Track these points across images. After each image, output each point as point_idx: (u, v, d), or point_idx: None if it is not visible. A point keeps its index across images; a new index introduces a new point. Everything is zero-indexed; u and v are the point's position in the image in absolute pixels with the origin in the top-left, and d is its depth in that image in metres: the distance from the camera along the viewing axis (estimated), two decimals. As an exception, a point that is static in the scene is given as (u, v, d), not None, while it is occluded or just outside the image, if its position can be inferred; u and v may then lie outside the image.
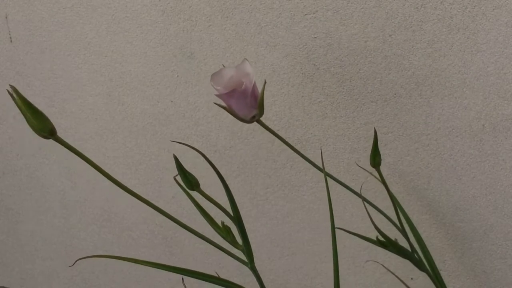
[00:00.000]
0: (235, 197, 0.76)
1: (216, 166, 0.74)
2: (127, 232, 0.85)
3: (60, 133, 0.87)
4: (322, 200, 0.72)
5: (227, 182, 0.75)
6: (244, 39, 0.66)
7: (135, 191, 0.86)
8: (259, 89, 0.50)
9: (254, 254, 0.79)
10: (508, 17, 0.56)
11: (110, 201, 0.84)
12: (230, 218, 0.47)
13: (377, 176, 0.68)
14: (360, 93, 0.64)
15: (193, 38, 0.68)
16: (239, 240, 0.49)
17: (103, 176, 0.87)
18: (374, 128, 0.51)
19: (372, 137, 0.66)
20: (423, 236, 0.69)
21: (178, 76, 0.71)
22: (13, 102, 0.83)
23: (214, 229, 0.49)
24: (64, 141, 0.39)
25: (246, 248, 0.49)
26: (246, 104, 0.49)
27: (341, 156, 0.68)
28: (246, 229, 0.77)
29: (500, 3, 0.55)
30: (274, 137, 0.70)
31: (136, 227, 0.84)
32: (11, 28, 0.78)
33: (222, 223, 0.49)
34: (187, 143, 0.75)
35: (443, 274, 0.70)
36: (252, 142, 0.72)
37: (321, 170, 0.54)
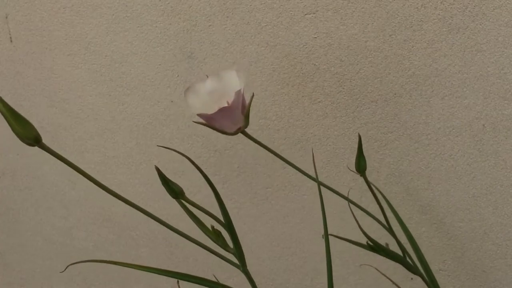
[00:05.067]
0: (235, 197, 0.76)
1: (216, 166, 0.75)
2: (127, 232, 0.85)
3: (60, 133, 0.87)
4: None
5: (227, 182, 0.76)
6: (244, 39, 0.66)
7: (135, 191, 0.86)
8: (246, 98, 0.48)
9: (254, 254, 0.79)
10: (508, 17, 0.56)
11: (110, 201, 0.84)
12: (220, 224, 0.47)
13: (377, 176, 0.68)
14: (360, 93, 0.64)
15: (193, 38, 0.68)
16: (230, 243, 0.49)
17: (103, 176, 0.87)
18: (359, 133, 0.51)
19: (372, 137, 0.66)
20: (423, 236, 0.69)
21: (178, 76, 0.71)
22: (13, 102, 0.83)
23: (204, 232, 0.48)
24: (50, 148, 0.38)
25: (238, 251, 0.48)
26: (232, 119, 0.46)
27: (341, 156, 0.68)
28: (246, 229, 0.77)
29: (500, 3, 0.55)
30: (274, 137, 0.70)
31: (136, 227, 0.84)
32: (11, 28, 0.78)
33: (212, 227, 0.48)
34: (187, 143, 0.75)
35: (443, 274, 0.70)
36: (252, 142, 0.72)
37: (311, 177, 0.54)
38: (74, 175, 0.86)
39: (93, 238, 0.88)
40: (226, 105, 0.47)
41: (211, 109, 0.46)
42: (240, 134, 0.50)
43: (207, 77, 0.49)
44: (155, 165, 0.44)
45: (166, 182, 0.45)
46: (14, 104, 0.81)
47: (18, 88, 0.81)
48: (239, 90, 0.45)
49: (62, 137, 0.81)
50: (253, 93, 0.50)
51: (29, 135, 0.37)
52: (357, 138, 0.66)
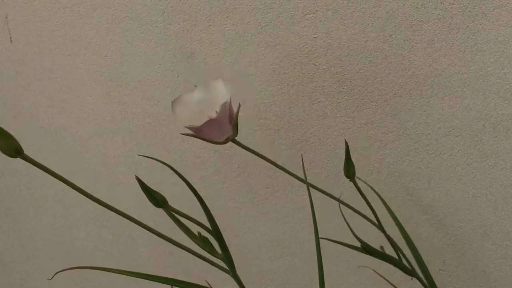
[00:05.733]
0: (235, 197, 0.76)
1: (216, 166, 0.75)
2: (127, 232, 0.85)
3: (60, 133, 0.87)
4: (322, 200, 0.72)
5: (227, 182, 0.76)
6: (244, 39, 0.66)
7: (134, 191, 0.86)
8: (234, 106, 0.48)
9: (254, 254, 0.79)
10: (508, 17, 0.55)
11: (110, 201, 0.84)
12: (207, 231, 0.47)
13: (377, 176, 0.68)
14: (360, 93, 0.64)
15: (193, 38, 0.68)
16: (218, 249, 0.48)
17: (103, 177, 0.87)
18: (345, 140, 0.51)
19: (372, 137, 0.66)
20: (423, 236, 0.69)
21: (178, 76, 0.71)
22: (13, 102, 0.83)
23: (191, 239, 0.48)
24: (32, 159, 0.38)
25: (226, 257, 0.48)
26: (220, 130, 0.47)
27: (341, 156, 0.68)
28: (246, 229, 0.77)
29: (500, 3, 0.55)
30: (274, 137, 0.70)
31: (136, 227, 0.84)
32: (11, 28, 0.78)
33: (199, 233, 0.48)
34: (187, 143, 0.75)
35: (443, 274, 0.70)
36: (252, 142, 0.72)
37: (303, 180, 0.54)
38: (74, 175, 0.86)
39: (93, 238, 0.88)
40: (215, 114, 0.47)
41: (201, 119, 0.46)
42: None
43: (195, 87, 0.50)
44: (135, 175, 0.44)
45: (148, 191, 0.45)
46: (14, 104, 0.81)
47: (18, 88, 0.81)
48: (225, 102, 0.46)
49: (62, 137, 0.81)
50: (239, 104, 0.50)
51: (10, 148, 0.37)
52: (357, 138, 0.66)
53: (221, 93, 0.48)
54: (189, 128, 0.46)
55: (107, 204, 0.42)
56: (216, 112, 0.47)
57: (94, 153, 0.81)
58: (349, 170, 0.51)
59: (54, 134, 0.81)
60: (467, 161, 0.63)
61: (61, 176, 0.39)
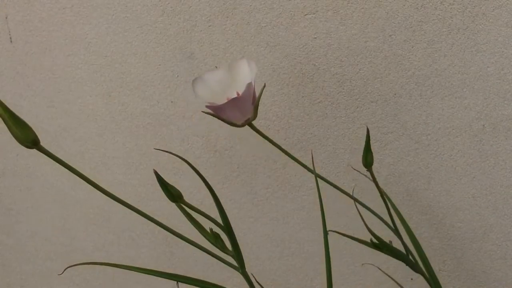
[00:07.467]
0: (235, 197, 0.76)
1: (216, 167, 0.75)
2: (127, 232, 0.85)
3: (60, 133, 0.87)
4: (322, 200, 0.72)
5: (227, 182, 0.76)
6: (244, 39, 0.66)
7: (135, 191, 0.86)
8: (256, 90, 0.48)
9: (254, 255, 0.79)
10: (508, 17, 0.56)
11: (110, 201, 0.84)
12: (219, 227, 0.47)
13: (377, 176, 0.68)
14: (360, 93, 0.64)
15: (193, 38, 0.68)
16: (229, 245, 0.48)
17: (103, 177, 0.87)
18: (367, 127, 0.51)
19: (372, 137, 0.66)
20: (423, 236, 0.69)
21: (178, 76, 0.71)
22: (13, 102, 0.83)
23: (202, 235, 0.48)
24: (48, 151, 0.38)
25: (237, 254, 0.48)
26: (242, 110, 0.46)
27: (341, 157, 0.68)
28: (246, 229, 0.77)
29: (500, 3, 0.55)
30: (274, 137, 0.70)
31: (136, 227, 0.84)
32: (11, 28, 0.78)
33: (211, 229, 0.48)
34: (187, 143, 0.75)
35: (443, 274, 0.70)
36: (252, 142, 0.72)
37: (312, 171, 0.53)
38: (74, 175, 0.86)
39: (92, 238, 0.88)
40: (235, 95, 0.46)
41: (220, 100, 0.45)
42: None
43: (216, 68, 0.49)
44: (153, 169, 0.44)
45: (164, 186, 0.45)
46: (14, 105, 0.81)
47: (18, 88, 0.81)
48: (251, 83, 0.45)
49: (62, 137, 0.81)
50: (264, 84, 0.49)
51: (28, 138, 0.37)
52: (357, 138, 0.66)
53: (244, 73, 0.47)
54: (210, 107, 0.45)
55: (129, 205, 0.42)
56: (238, 92, 0.46)
57: (94, 153, 0.81)
58: (367, 159, 0.51)
59: (54, 134, 0.81)
60: (467, 161, 0.63)
61: (75, 169, 0.39)
